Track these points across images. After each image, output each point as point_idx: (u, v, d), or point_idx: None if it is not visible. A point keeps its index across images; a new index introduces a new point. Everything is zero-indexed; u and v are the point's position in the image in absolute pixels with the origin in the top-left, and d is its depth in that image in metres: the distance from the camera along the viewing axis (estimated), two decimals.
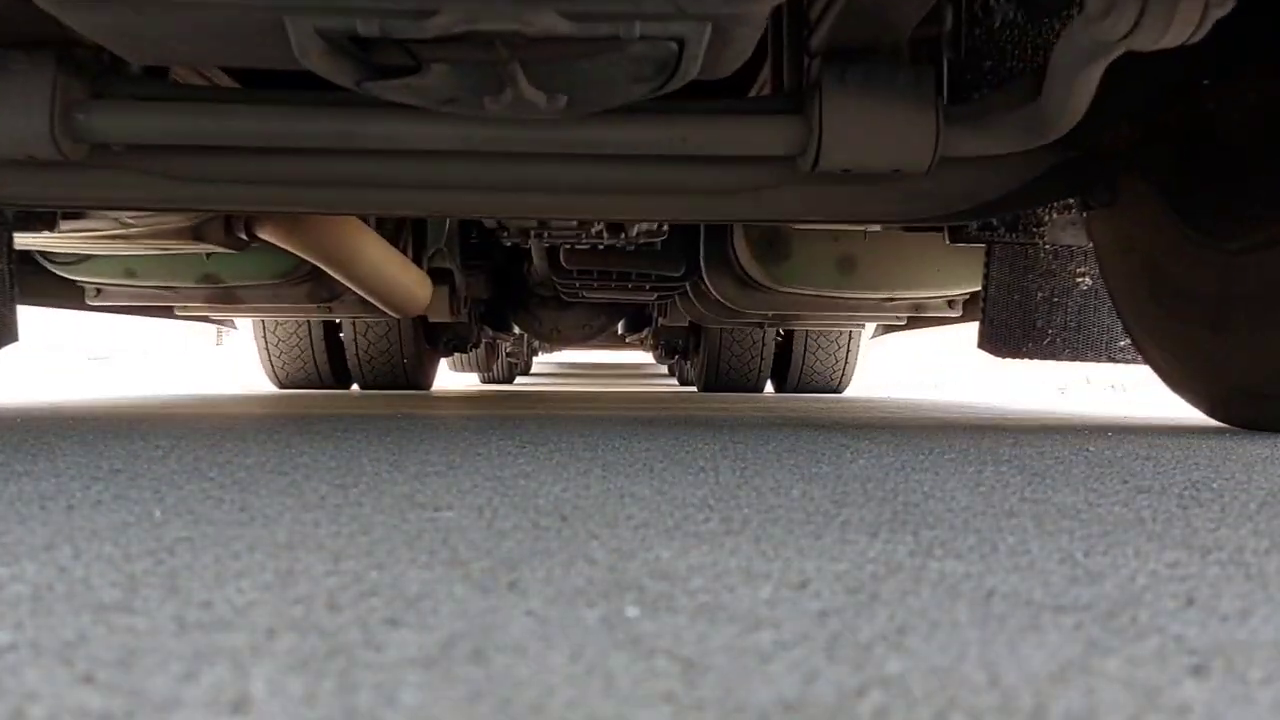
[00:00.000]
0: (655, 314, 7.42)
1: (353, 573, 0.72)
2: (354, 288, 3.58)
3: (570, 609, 0.63)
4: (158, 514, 0.97)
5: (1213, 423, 2.56)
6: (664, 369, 15.61)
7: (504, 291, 6.44)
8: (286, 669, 0.50)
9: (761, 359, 6.90)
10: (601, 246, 3.96)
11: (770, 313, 4.96)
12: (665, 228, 3.77)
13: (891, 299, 4.36)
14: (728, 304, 4.36)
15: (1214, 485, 1.31)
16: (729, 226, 3.98)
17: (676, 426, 2.40)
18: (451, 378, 10.97)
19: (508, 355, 12.10)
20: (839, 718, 0.45)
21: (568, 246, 4.33)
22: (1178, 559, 0.81)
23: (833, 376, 6.93)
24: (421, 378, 6.38)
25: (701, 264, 4.23)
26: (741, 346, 6.79)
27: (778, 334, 6.85)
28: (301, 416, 2.72)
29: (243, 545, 0.82)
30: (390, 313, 4.00)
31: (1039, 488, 1.25)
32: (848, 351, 6.92)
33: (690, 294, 5.12)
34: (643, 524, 0.95)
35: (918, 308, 4.55)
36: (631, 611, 0.62)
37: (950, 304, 4.52)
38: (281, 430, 2.13)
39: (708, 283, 4.26)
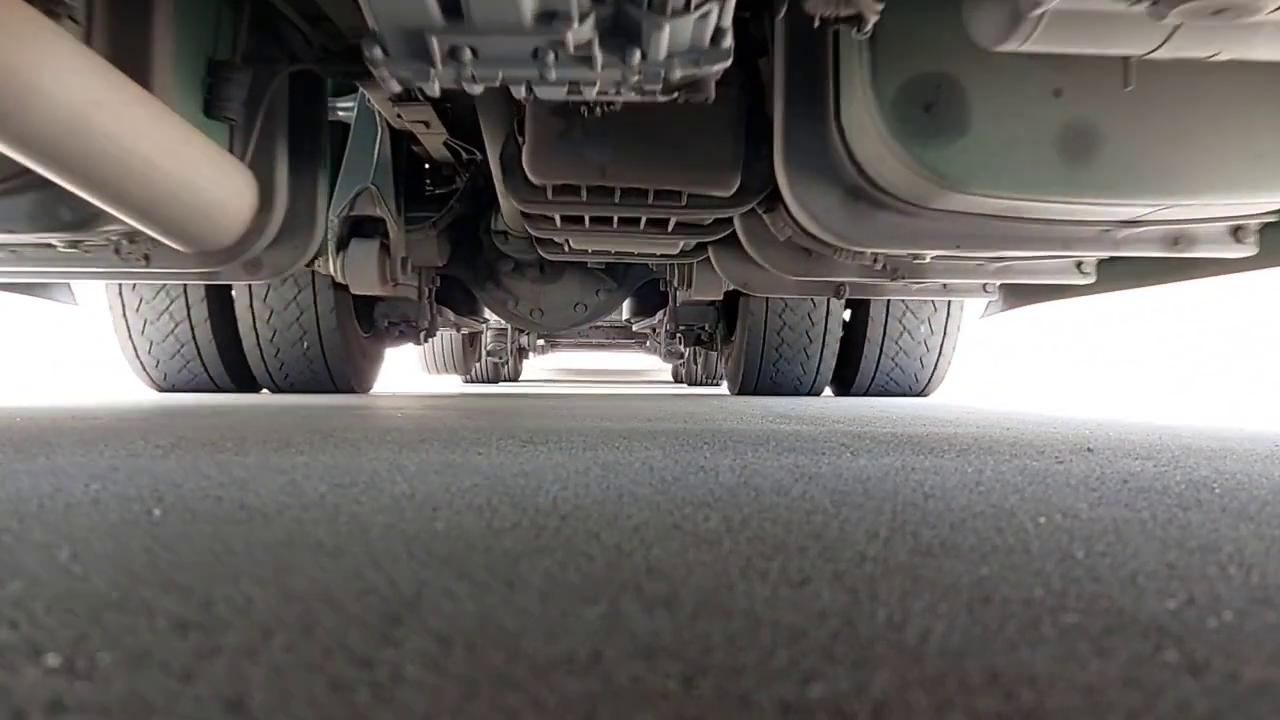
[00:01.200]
0: (675, 285, 4.99)
1: (352, 571, 0.72)
2: (58, 178, 1.74)
3: (569, 607, 0.63)
4: (157, 513, 0.97)
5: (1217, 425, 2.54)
6: (669, 374, 13.29)
7: (467, 258, 4.74)
8: (286, 669, 0.50)
9: (824, 348, 4.79)
10: (593, 100, 1.82)
11: (898, 254, 2.79)
12: (728, 41, 1.60)
13: (1145, 219, 2.22)
14: (827, 237, 2.27)
15: (1214, 486, 1.30)
16: (831, 78, 2.07)
17: (677, 425, 2.40)
18: (428, 381, 9.28)
19: (488, 354, 9.83)
20: (838, 717, 0.45)
21: (524, 92, 1.69)
22: (1177, 559, 0.81)
23: (919, 373, 4.90)
24: (354, 375, 4.69)
25: (779, 162, 2.16)
26: (796, 329, 4.72)
27: (846, 309, 4.91)
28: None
29: (241, 544, 0.82)
30: (163, 237, 2.12)
31: (1039, 487, 1.25)
32: (944, 336, 4.79)
33: (742, 237, 2.94)
34: (642, 523, 0.94)
35: (1176, 240, 2.37)
36: (630, 610, 0.62)
37: (1237, 232, 2.36)
38: (280, 428, 2.13)
39: (790, 199, 2.19)
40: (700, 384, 10.37)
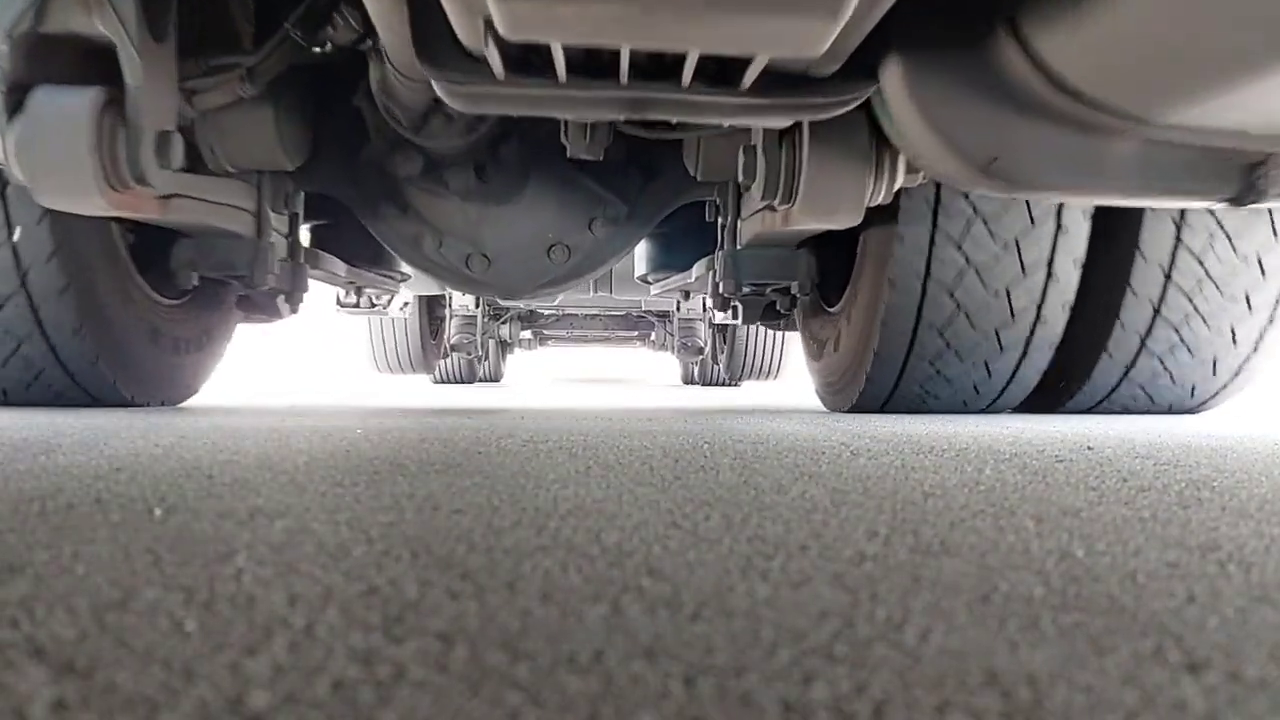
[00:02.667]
0: (747, 199, 2.57)
1: (352, 571, 0.72)
2: None
3: (570, 608, 0.63)
4: (158, 512, 0.97)
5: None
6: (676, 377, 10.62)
7: (341, 155, 2.68)
8: (286, 669, 0.50)
9: (1038, 320, 2.51)
10: None
11: None
12: None
13: None
14: None
15: (1214, 485, 1.31)
16: None
17: (677, 424, 2.40)
18: (399, 385, 6.83)
19: (453, 348, 7.10)
20: (840, 717, 0.45)
21: None
22: (1177, 558, 0.81)
23: (1206, 377, 2.70)
24: (125, 374, 2.65)
25: None
26: (989, 282, 2.44)
27: (1096, 233, 2.45)
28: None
29: (241, 543, 0.82)
30: None
31: (1039, 487, 1.25)
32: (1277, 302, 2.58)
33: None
34: (642, 522, 0.95)
35: None
36: (631, 610, 0.62)
37: None
38: (279, 427, 2.13)
39: None
40: (719, 384, 8.43)
